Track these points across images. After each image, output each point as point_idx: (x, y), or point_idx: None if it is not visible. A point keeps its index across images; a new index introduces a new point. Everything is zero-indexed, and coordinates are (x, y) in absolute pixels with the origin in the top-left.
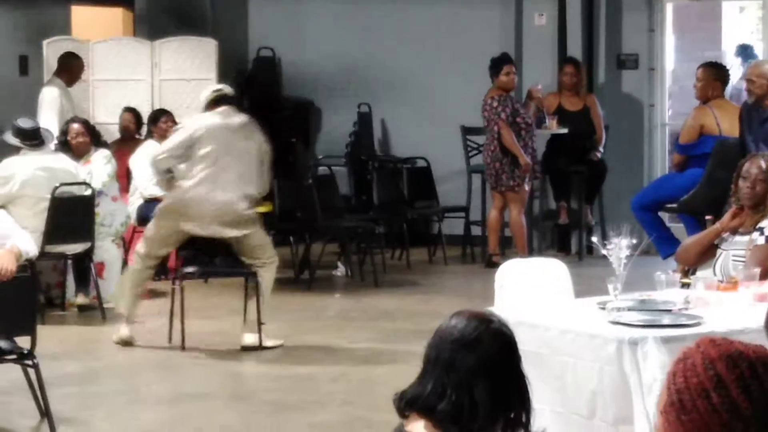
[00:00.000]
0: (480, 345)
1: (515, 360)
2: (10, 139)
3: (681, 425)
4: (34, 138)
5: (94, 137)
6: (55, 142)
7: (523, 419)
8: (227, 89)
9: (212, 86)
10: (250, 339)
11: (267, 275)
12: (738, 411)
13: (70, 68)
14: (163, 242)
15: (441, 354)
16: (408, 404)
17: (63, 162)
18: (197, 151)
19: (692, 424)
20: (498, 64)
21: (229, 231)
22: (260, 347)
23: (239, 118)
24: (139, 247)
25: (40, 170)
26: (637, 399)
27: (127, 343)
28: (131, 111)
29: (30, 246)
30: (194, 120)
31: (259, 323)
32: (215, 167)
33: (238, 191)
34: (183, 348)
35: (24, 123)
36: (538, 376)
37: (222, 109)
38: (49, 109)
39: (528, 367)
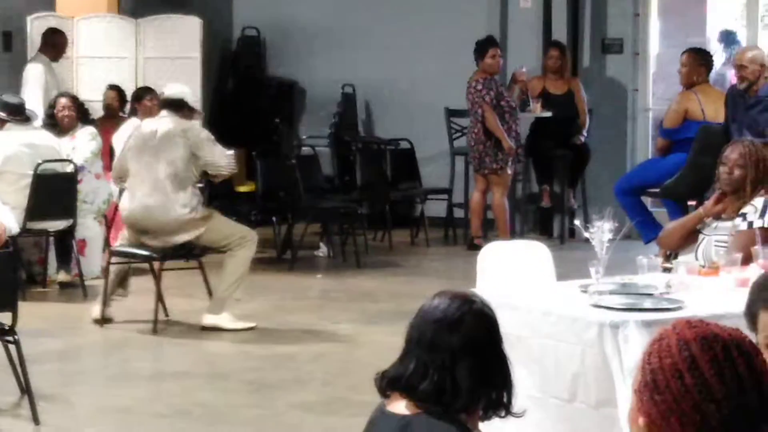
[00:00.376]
0: (462, 325)
1: (497, 340)
2: None
3: (654, 405)
4: (19, 113)
5: (82, 114)
6: (42, 117)
7: (505, 399)
8: (172, 92)
9: (168, 88)
10: (208, 320)
11: (240, 253)
12: (711, 392)
13: (55, 44)
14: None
15: (423, 334)
16: (389, 384)
17: (47, 139)
18: (127, 163)
19: (665, 404)
20: (483, 46)
21: (178, 238)
22: (221, 329)
23: (168, 125)
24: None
25: (23, 146)
26: (618, 382)
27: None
28: (115, 89)
29: (12, 223)
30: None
31: (219, 304)
32: (135, 179)
33: (165, 198)
34: (161, 326)
35: (10, 98)
36: (518, 360)
37: (162, 113)
38: (34, 85)
39: (509, 350)
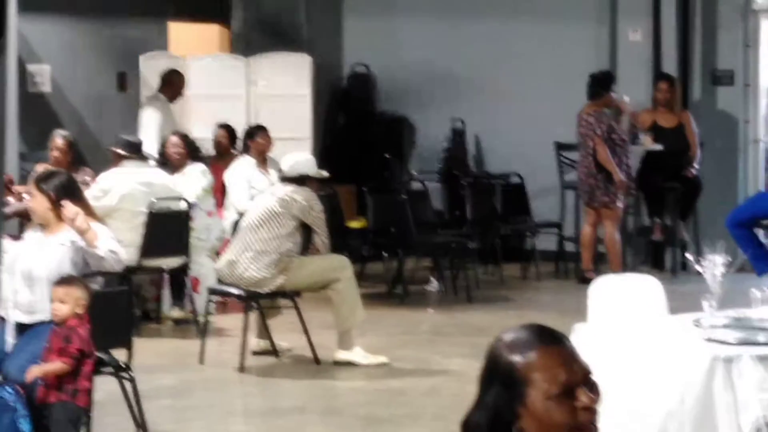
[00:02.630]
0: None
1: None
2: (117, 148)
3: None
4: (137, 151)
5: (192, 151)
6: (155, 156)
7: None
8: (290, 169)
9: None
10: (340, 355)
11: (338, 285)
12: None
13: (173, 84)
14: None
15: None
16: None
17: (161, 177)
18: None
19: None
20: (607, 81)
21: (261, 290)
22: (353, 364)
23: (289, 187)
24: None
25: (139, 185)
26: (727, 417)
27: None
28: (225, 127)
29: (116, 247)
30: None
31: (346, 338)
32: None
33: (239, 254)
34: (274, 362)
35: (128, 137)
36: (613, 393)
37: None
38: (149, 126)
39: (607, 382)
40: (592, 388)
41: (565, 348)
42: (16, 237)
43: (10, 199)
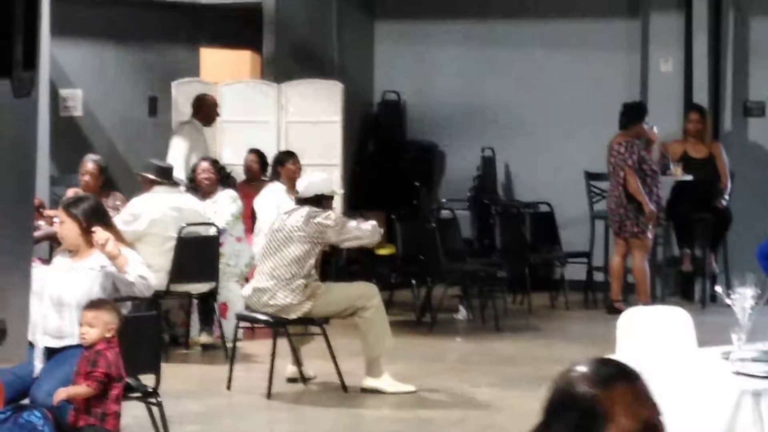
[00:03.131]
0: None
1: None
2: (147, 173)
3: None
4: (168, 177)
5: (222, 177)
6: (185, 181)
7: None
8: (305, 190)
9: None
10: (368, 383)
11: (367, 313)
12: None
13: (204, 108)
14: None
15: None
16: None
17: (191, 202)
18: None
19: None
20: (641, 112)
21: (287, 316)
22: (380, 392)
23: (306, 209)
24: None
25: (169, 210)
26: None
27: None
28: (255, 152)
29: (145, 272)
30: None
31: (374, 365)
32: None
33: (265, 282)
34: (301, 388)
35: (159, 162)
36: None
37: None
38: (177, 150)
39: None
40: (662, 426)
41: (643, 385)
42: (46, 261)
43: (41, 222)
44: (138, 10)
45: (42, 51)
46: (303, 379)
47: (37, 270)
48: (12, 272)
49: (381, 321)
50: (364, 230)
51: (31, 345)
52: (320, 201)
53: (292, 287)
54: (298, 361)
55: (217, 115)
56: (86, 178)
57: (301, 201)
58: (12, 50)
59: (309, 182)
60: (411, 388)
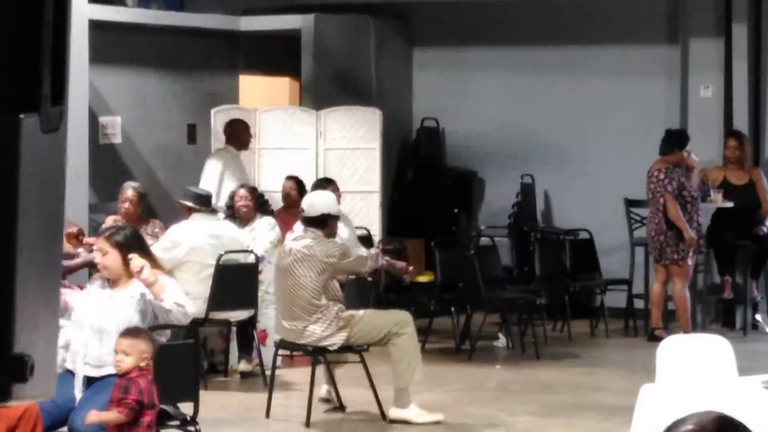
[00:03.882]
0: None
1: None
2: (186, 200)
3: None
4: (206, 204)
5: (260, 204)
6: (224, 208)
7: None
8: (311, 209)
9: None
10: (394, 413)
11: (400, 341)
12: None
13: (235, 133)
14: None
15: None
16: None
17: (230, 230)
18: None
19: None
20: (683, 139)
21: (324, 345)
22: (408, 423)
23: (305, 240)
24: None
25: (208, 237)
26: None
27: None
28: (293, 179)
29: (183, 299)
30: None
31: (402, 395)
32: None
33: (300, 322)
34: (340, 416)
35: (198, 189)
36: None
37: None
38: (208, 176)
39: None
40: None
41: None
42: (83, 287)
43: (81, 249)
44: (177, 37)
45: (81, 79)
46: (340, 406)
47: (78, 297)
48: (39, 309)
49: (413, 350)
50: (361, 260)
51: (72, 373)
52: (326, 221)
53: (323, 318)
54: (334, 386)
55: (250, 137)
56: (126, 205)
57: (306, 221)
58: (40, 85)
59: (314, 200)
60: (440, 417)
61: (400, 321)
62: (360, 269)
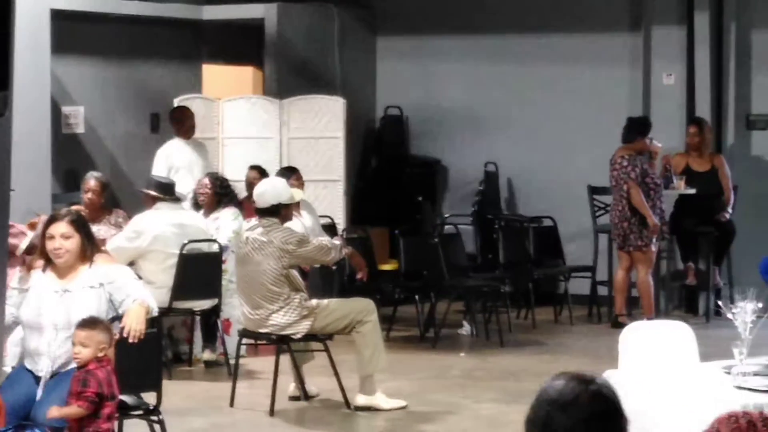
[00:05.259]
0: (575, 406)
1: (614, 424)
2: (150, 189)
3: None
4: (170, 193)
5: (224, 194)
6: (190, 197)
7: None
8: (261, 200)
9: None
10: (361, 400)
11: (363, 328)
12: None
13: (176, 122)
14: None
15: (538, 414)
16: None
17: (194, 219)
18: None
19: None
20: (644, 127)
21: (287, 333)
22: (372, 409)
23: (260, 229)
24: None
25: (172, 226)
26: None
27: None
28: (257, 168)
29: (153, 302)
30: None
31: (368, 382)
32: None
33: (249, 305)
34: (304, 406)
35: (161, 178)
36: None
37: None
38: (157, 165)
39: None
40: None
41: None
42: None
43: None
44: (140, 27)
45: (43, 69)
46: (306, 396)
47: (18, 298)
48: None
49: (377, 338)
50: (323, 250)
51: (28, 371)
52: (278, 211)
53: (285, 307)
54: (300, 379)
55: (192, 124)
56: (89, 195)
57: (259, 211)
58: None
59: (263, 191)
60: (403, 403)
61: (363, 309)
62: (322, 258)
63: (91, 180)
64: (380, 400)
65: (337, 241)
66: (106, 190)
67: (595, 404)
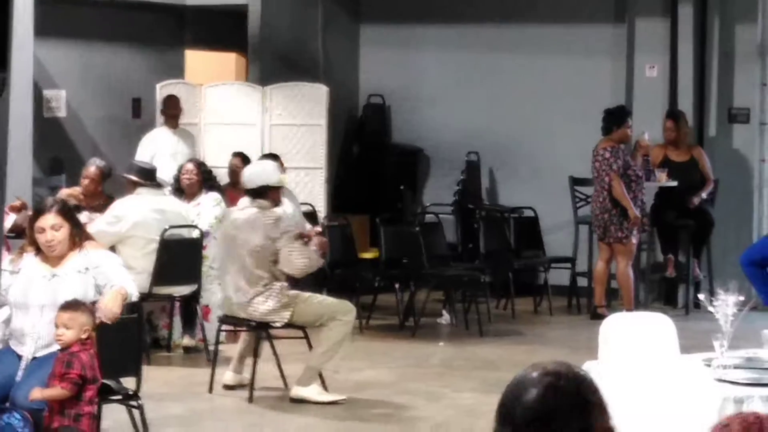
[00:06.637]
0: (534, 399)
1: (574, 418)
2: (130, 174)
3: None
4: (151, 178)
5: (206, 180)
6: (171, 183)
7: None
8: (251, 181)
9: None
10: (296, 392)
11: (333, 324)
12: None
13: (164, 110)
14: None
15: (503, 403)
16: None
17: (175, 205)
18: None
19: None
20: (622, 116)
21: (271, 322)
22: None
23: (251, 209)
24: None
25: (153, 212)
26: None
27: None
28: (239, 155)
29: (134, 289)
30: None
31: (310, 375)
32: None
33: (232, 287)
34: (283, 392)
35: (143, 164)
36: None
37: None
38: (141, 152)
39: (622, 422)
40: None
41: None
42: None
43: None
44: (122, 11)
45: (26, 52)
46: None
47: (11, 279)
48: None
49: (342, 338)
50: (303, 253)
51: (12, 351)
52: (265, 192)
53: (266, 293)
54: (241, 367)
55: (176, 111)
56: (86, 181)
57: (248, 192)
58: None
59: (251, 172)
60: (341, 397)
61: (342, 309)
62: (297, 258)
63: (91, 167)
64: (313, 393)
65: (315, 241)
66: (105, 178)
67: (551, 399)
